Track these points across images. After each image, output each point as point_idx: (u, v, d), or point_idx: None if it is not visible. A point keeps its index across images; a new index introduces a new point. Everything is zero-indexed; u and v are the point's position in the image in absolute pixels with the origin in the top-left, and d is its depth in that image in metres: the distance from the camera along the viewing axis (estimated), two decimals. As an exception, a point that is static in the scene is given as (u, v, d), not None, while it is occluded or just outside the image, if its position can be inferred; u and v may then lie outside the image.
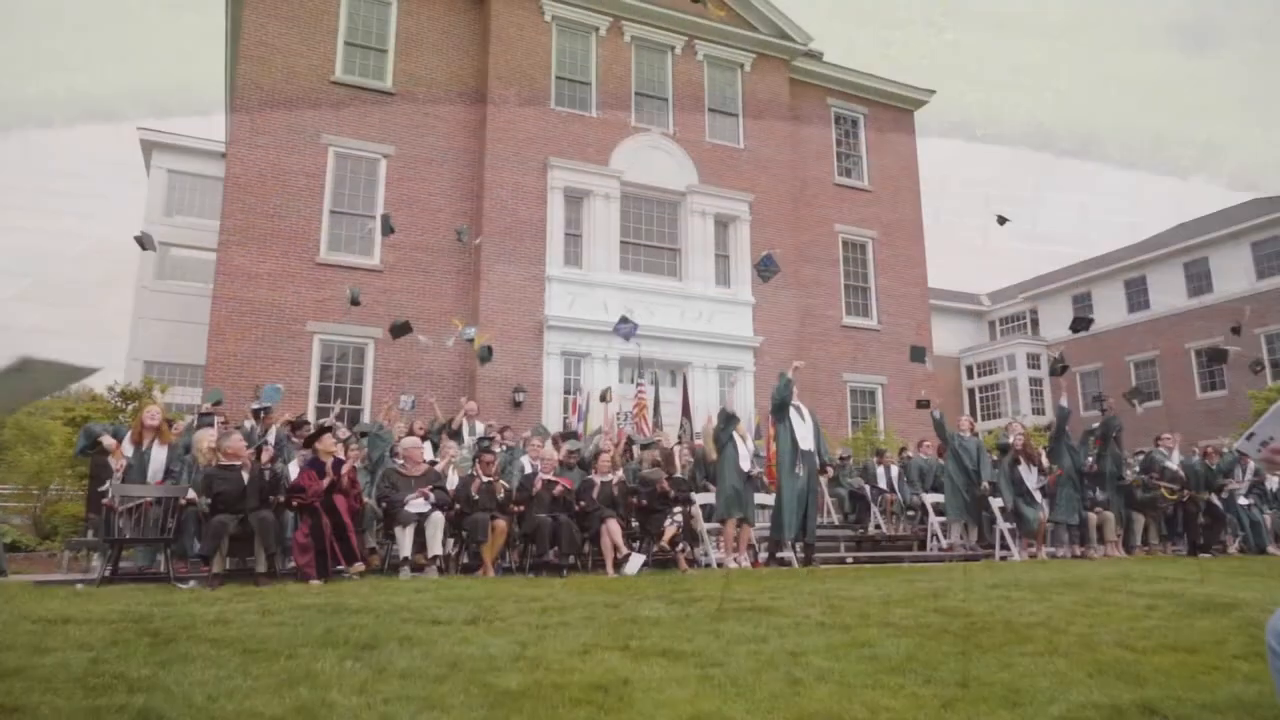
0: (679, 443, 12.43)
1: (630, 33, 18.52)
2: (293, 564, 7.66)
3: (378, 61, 16.77)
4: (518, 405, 15.67)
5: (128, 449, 8.31)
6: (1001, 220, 12.01)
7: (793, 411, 10.13)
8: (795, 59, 20.56)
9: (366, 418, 14.80)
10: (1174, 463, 12.93)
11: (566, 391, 16.32)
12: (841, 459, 14.49)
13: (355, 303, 12.83)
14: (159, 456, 8.43)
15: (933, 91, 22.73)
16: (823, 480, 14.22)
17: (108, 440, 8.19)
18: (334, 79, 16.19)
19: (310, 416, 14.17)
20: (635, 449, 11.71)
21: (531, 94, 17.26)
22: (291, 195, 15.47)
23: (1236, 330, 13.64)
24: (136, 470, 8.28)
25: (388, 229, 12.44)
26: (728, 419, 10.21)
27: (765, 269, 12.17)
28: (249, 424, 10.01)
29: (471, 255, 16.64)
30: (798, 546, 10.02)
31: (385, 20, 16.96)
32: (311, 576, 7.23)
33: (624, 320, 13.06)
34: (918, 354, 13.94)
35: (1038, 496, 11.47)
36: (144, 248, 11.87)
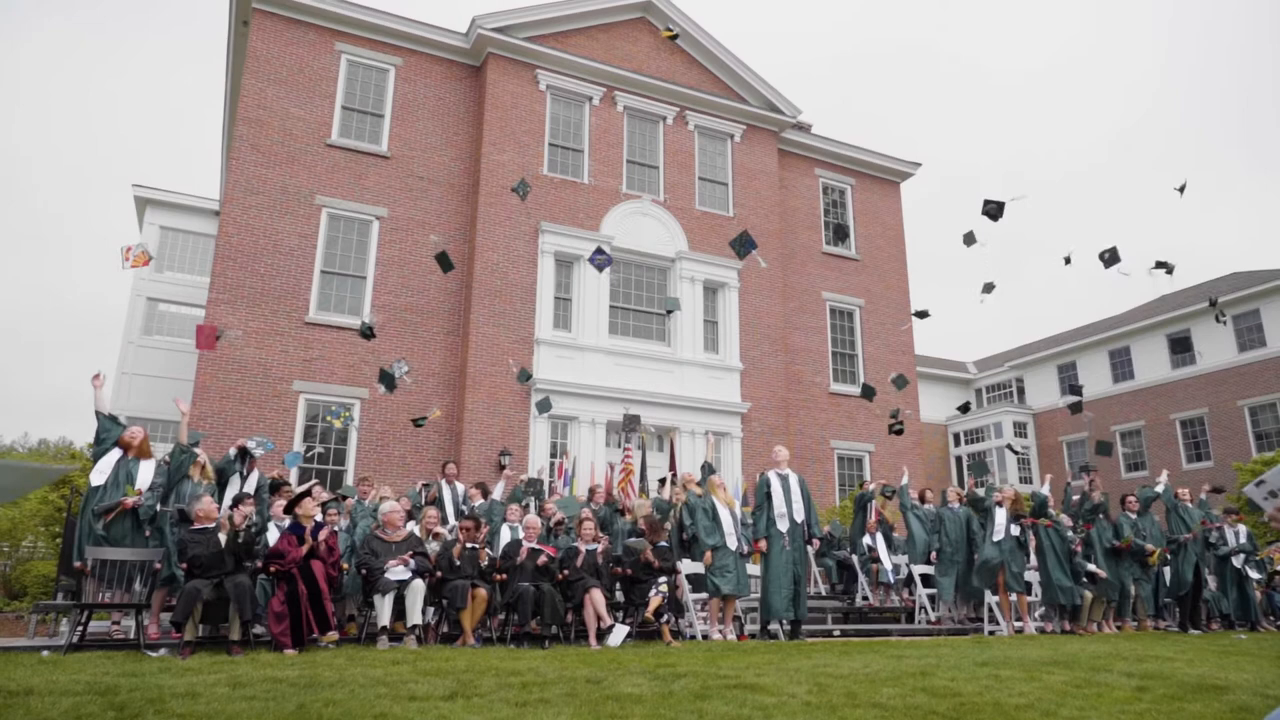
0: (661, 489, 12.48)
1: (623, 102, 18.90)
2: (267, 631, 7.46)
3: (374, 126, 17.03)
4: (503, 468, 15.52)
5: (116, 453, 8.36)
6: (970, 240, 11.34)
7: (779, 481, 10.04)
8: (784, 130, 21.01)
9: (350, 479, 14.64)
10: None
11: (553, 455, 16.21)
12: (830, 535, 14.38)
13: (368, 335, 12.41)
14: (145, 471, 8.45)
15: (918, 164, 23.21)
16: (810, 550, 14.13)
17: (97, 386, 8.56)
18: (330, 142, 16.40)
19: (293, 477, 14.00)
20: (631, 501, 11.59)
21: (524, 160, 17.52)
22: (283, 255, 15.54)
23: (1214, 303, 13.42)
24: (122, 478, 8.27)
25: (368, 332, 12.13)
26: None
27: (741, 246, 11.45)
28: (233, 451, 9.83)
29: (460, 317, 16.69)
30: (785, 620, 9.85)
31: (383, 86, 17.28)
32: (287, 646, 7.04)
33: (600, 251, 12.48)
34: (901, 382, 13.67)
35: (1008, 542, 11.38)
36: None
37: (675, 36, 11.29)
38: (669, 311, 13.19)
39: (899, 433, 13.65)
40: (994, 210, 10.34)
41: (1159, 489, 13.39)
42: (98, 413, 8.62)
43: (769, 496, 9.96)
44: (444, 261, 11.17)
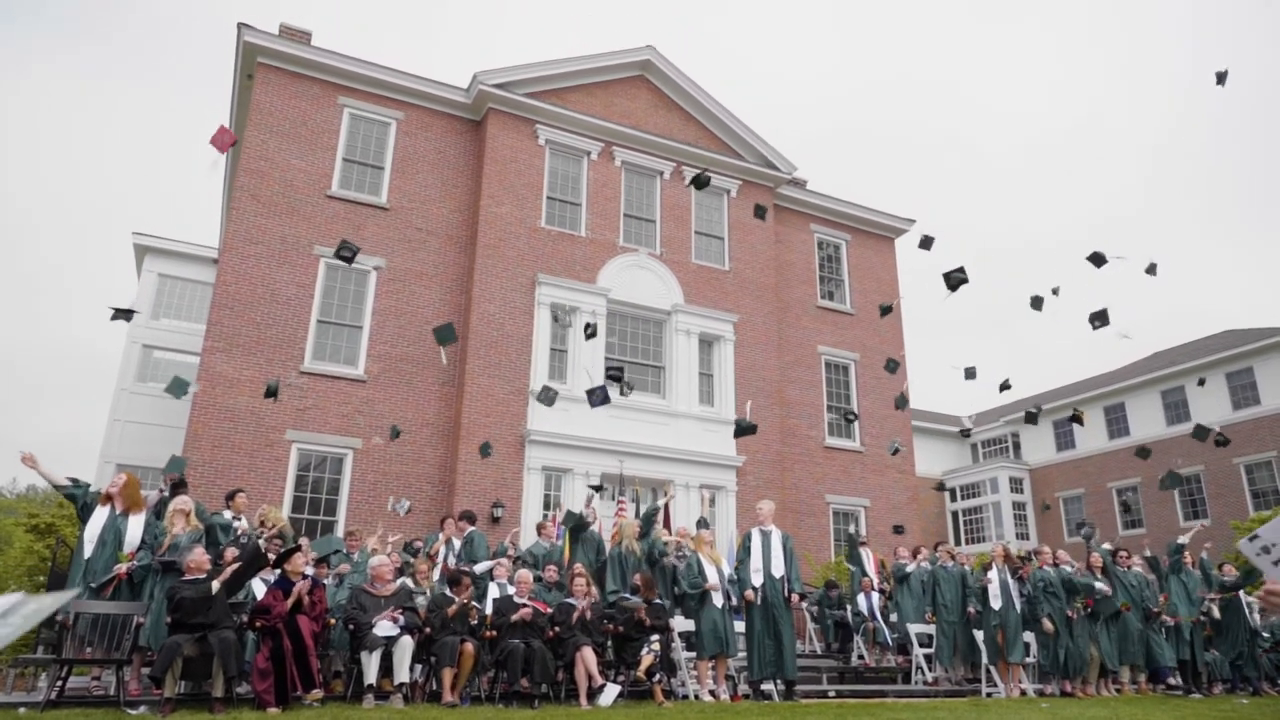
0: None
1: (621, 157, 19.16)
2: (250, 689, 7.30)
3: (374, 178, 17.22)
4: (496, 520, 15.40)
5: (102, 513, 8.19)
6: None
7: (759, 537, 9.93)
8: (780, 186, 21.27)
9: (340, 530, 14.48)
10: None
11: (546, 507, 16.08)
12: (827, 590, 14.23)
13: (451, 337, 11.09)
14: (135, 527, 8.31)
15: (913, 220, 23.47)
16: (803, 605, 13.94)
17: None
18: (330, 193, 16.56)
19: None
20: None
21: (522, 213, 17.70)
22: (280, 304, 15.57)
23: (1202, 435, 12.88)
24: (110, 539, 8.12)
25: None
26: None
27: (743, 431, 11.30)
28: (228, 515, 9.74)
29: (456, 368, 16.69)
30: (778, 680, 9.66)
31: (384, 139, 17.51)
32: (270, 704, 6.88)
33: (604, 387, 12.21)
34: (901, 402, 13.53)
35: (1017, 605, 11.20)
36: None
37: (697, 183, 11.57)
38: (622, 387, 12.85)
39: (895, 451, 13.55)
40: (956, 279, 10.50)
41: (1183, 540, 13.26)
42: (57, 487, 8.28)
43: (749, 552, 9.87)
44: (444, 334, 10.46)
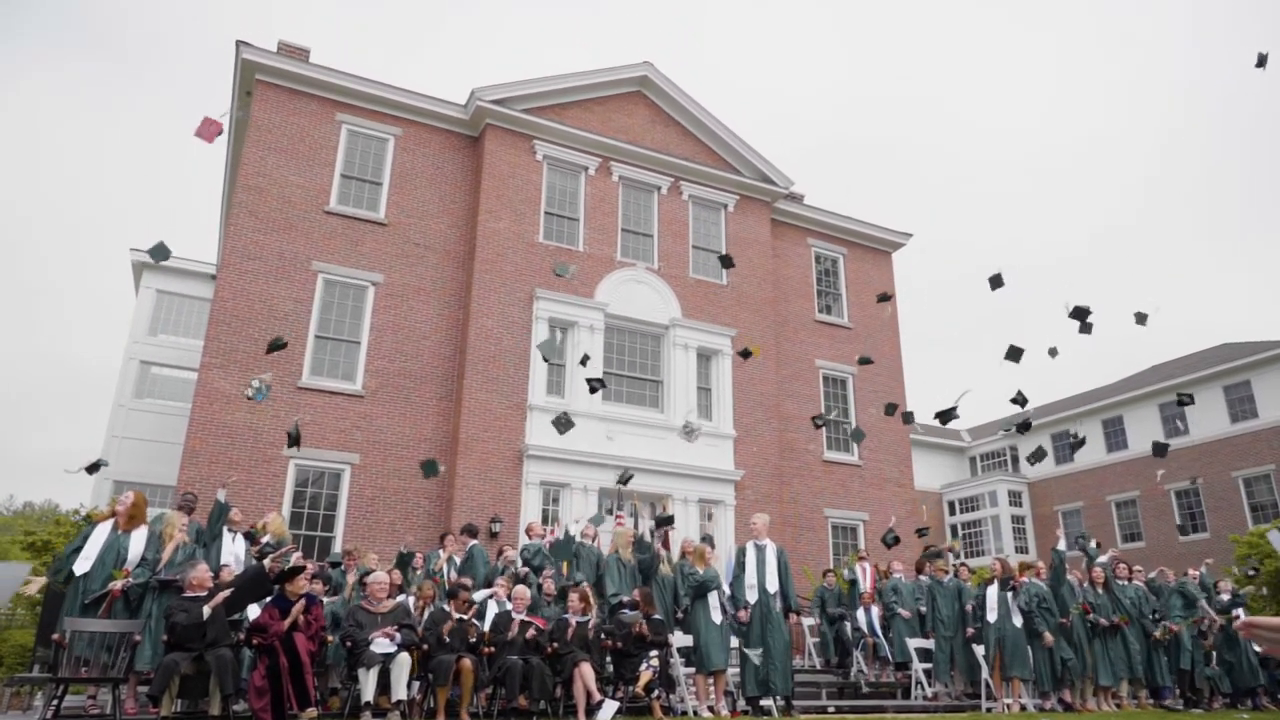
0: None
1: (618, 172, 19.23)
2: (247, 707, 7.27)
3: (372, 193, 17.26)
4: (494, 536, 15.37)
5: (104, 530, 8.21)
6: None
7: (754, 551, 9.91)
8: (777, 201, 21.35)
9: (338, 546, 14.45)
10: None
11: (545, 523, 16.03)
12: (824, 578, 14.26)
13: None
14: (136, 543, 8.31)
15: (910, 234, 23.56)
16: (803, 622, 13.90)
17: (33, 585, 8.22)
18: (328, 209, 16.60)
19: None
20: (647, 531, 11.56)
21: (520, 228, 17.75)
22: (278, 320, 15.58)
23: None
24: (111, 556, 8.12)
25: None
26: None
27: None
28: (222, 494, 9.78)
29: (454, 383, 16.69)
30: (776, 696, 9.63)
31: (382, 156, 17.57)
32: (266, 722, 6.85)
33: (601, 381, 12.44)
34: (891, 409, 13.65)
35: (1016, 621, 11.17)
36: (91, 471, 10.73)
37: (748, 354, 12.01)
38: (585, 363, 13.01)
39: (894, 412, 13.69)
40: (944, 415, 11.02)
41: (1201, 571, 13.55)
42: (65, 574, 8.30)
43: (744, 567, 9.85)
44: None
